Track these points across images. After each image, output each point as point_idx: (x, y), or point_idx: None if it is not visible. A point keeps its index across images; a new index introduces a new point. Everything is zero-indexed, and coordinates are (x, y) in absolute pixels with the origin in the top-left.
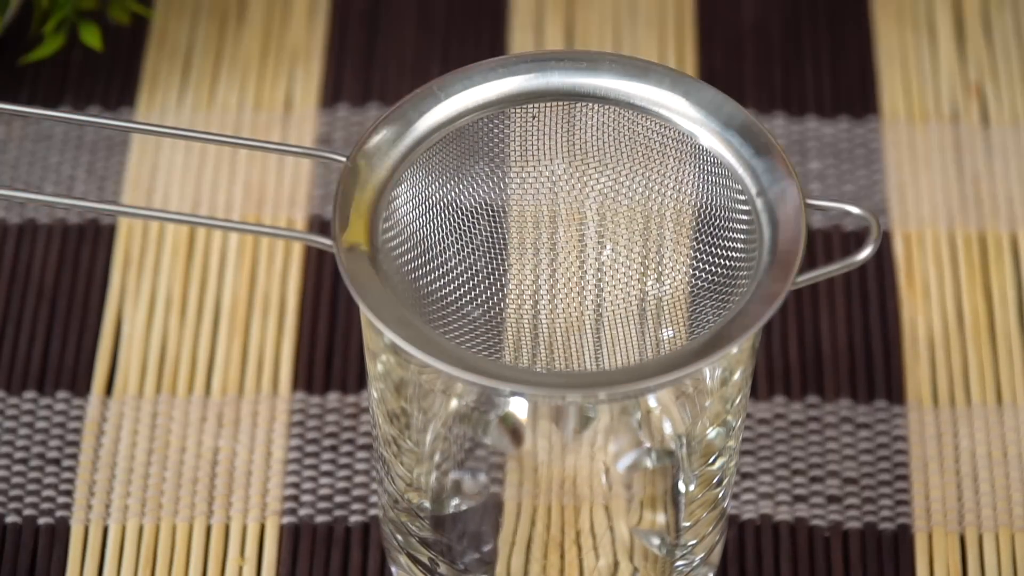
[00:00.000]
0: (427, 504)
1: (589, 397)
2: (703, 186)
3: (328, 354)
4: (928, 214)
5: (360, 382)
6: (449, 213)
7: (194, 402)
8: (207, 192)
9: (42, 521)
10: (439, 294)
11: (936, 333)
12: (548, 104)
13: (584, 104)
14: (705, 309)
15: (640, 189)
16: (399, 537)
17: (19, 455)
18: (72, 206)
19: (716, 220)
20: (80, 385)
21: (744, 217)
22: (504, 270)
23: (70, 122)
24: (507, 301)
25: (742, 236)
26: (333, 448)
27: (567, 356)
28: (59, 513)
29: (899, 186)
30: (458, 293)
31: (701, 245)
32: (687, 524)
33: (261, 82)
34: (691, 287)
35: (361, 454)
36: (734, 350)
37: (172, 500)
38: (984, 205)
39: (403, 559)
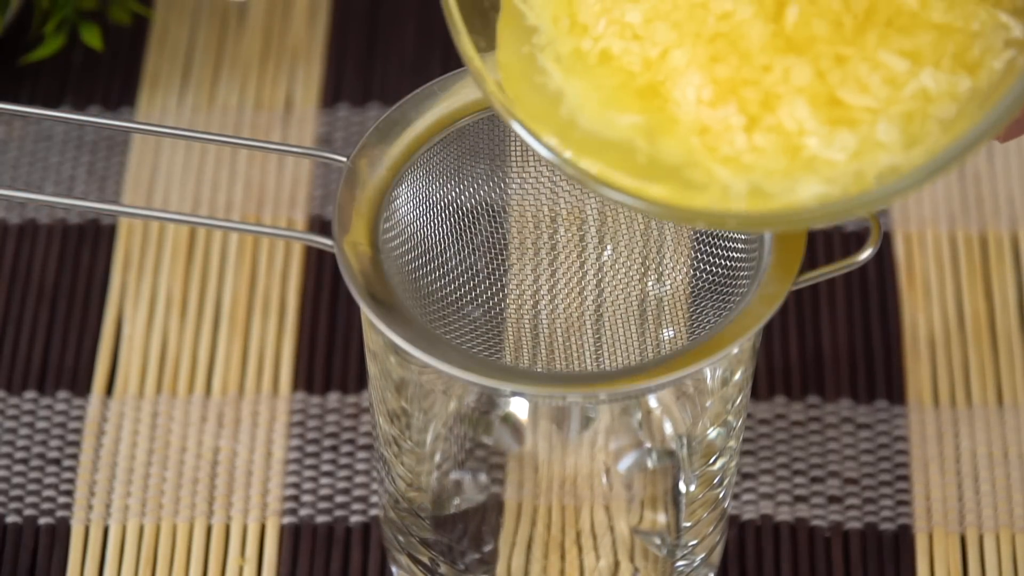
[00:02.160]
0: (428, 504)
1: (589, 397)
2: None
3: (328, 354)
4: (929, 214)
5: (360, 382)
6: (449, 213)
7: (194, 402)
8: (207, 192)
9: (42, 521)
10: (439, 294)
11: (937, 333)
12: None
13: None
14: (705, 309)
15: None
16: (400, 537)
17: (19, 455)
18: (72, 206)
19: None
20: (80, 385)
21: None
22: (504, 270)
23: (70, 122)
24: (507, 301)
25: (742, 236)
26: (333, 448)
27: (567, 356)
28: (59, 513)
29: None
30: (458, 293)
31: (701, 245)
32: (688, 524)
33: (261, 82)
34: (691, 287)
35: (361, 454)
36: (734, 350)
37: (172, 500)
38: (985, 205)
39: (404, 559)
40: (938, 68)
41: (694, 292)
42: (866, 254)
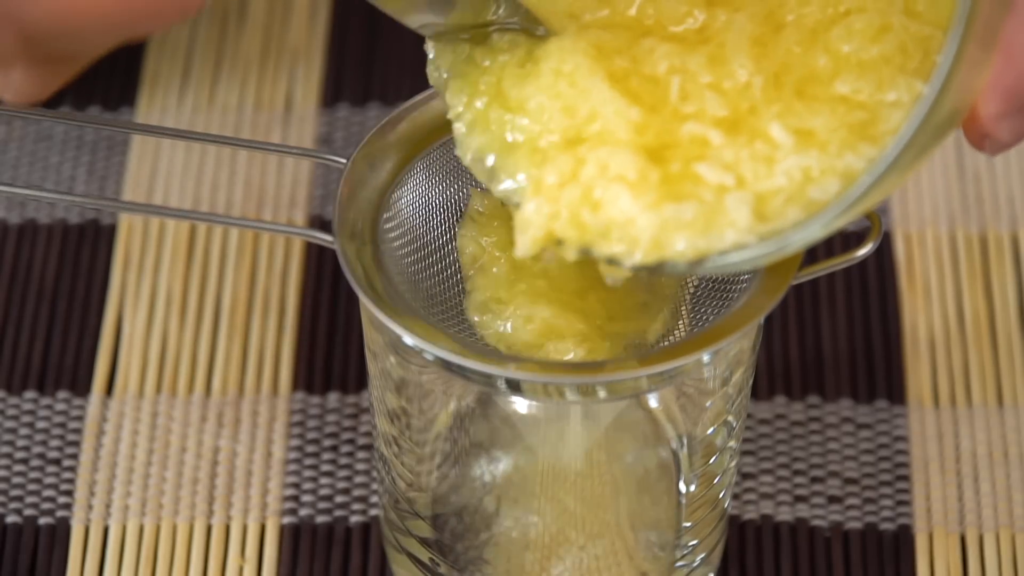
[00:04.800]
0: (428, 504)
1: (589, 396)
2: None
3: (328, 354)
4: (929, 214)
5: (360, 382)
6: (450, 213)
7: (194, 402)
8: (207, 192)
9: (42, 521)
10: (440, 296)
11: (937, 333)
12: None
13: None
14: (705, 304)
15: None
16: (399, 537)
17: (19, 455)
18: (73, 202)
19: None
20: (80, 385)
21: None
22: None
23: (70, 122)
24: None
25: None
26: (333, 448)
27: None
28: (59, 513)
29: None
30: (459, 293)
31: None
32: (688, 524)
33: (261, 82)
34: (691, 284)
35: (361, 454)
36: (735, 342)
37: (172, 500)
38: (985, 205)
39: (403, 559)
40: (824, 151)
41: (694, 287)
42: (866, 249)
